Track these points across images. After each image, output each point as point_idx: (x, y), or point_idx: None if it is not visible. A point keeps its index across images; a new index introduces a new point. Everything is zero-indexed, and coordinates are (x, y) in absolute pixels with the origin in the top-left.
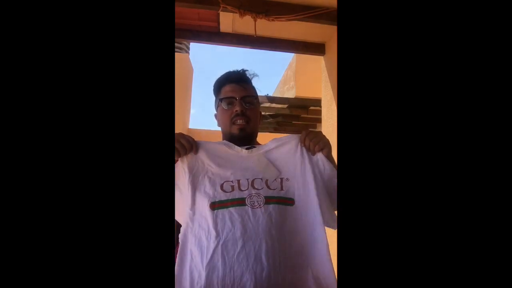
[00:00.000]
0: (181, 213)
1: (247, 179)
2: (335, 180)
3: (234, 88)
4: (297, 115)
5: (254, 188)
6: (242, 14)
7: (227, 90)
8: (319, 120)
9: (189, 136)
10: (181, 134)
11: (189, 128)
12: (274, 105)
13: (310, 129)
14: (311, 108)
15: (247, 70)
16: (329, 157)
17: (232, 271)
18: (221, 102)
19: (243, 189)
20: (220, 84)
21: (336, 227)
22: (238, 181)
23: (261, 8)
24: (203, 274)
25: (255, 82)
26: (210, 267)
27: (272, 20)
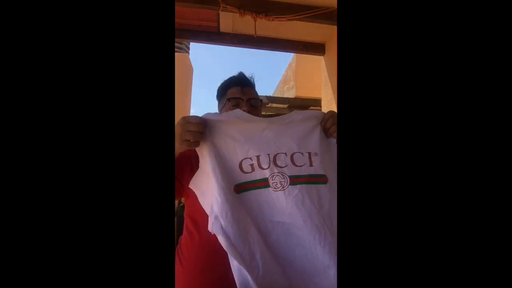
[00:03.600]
0: (207, 197)
1: (268, 155)
2: None
3: (240, 90)
4: None
5: (276, 165)
6: (242, 14)
7: (233, 92)
8: None
9: (195, 117)
10: (187, 120)
11: None
12: (274, 105)
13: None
14: (311, 108)
15: (243, 73)
16: None
17: (260, 264)
18: (228, 102)
19: (264, 167)
20: (226, 87)
21: None
22: (258, 157)
23: (261, 8)
24: (244, 269)
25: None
26: (246, 256)
27: (272, 20)
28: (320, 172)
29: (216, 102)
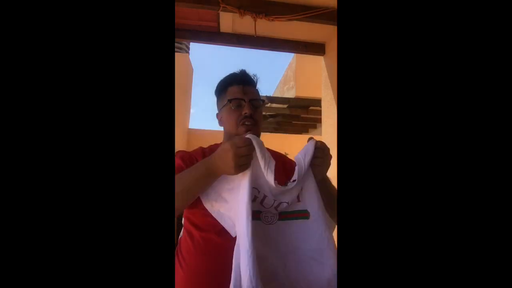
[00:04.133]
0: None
1: (274, 201)
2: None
3: (242, 90)
4: (297, 115)
5: (276, 209)
6: (242, 14)
7: (234, 91)
8: (319, 120)
9: (243, 141)
10: (236, 145)
11: (189, 128)
12: (274, 105)
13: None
14: (311, 108)
15: (246, 71)
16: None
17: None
18: (229, 102)
19: (265, 206)
20: (226, 85)
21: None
22: (265, 196)
23: (261, 8)
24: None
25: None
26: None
27: (272, 20)
28: (304, 207)
29: (215, 100)
